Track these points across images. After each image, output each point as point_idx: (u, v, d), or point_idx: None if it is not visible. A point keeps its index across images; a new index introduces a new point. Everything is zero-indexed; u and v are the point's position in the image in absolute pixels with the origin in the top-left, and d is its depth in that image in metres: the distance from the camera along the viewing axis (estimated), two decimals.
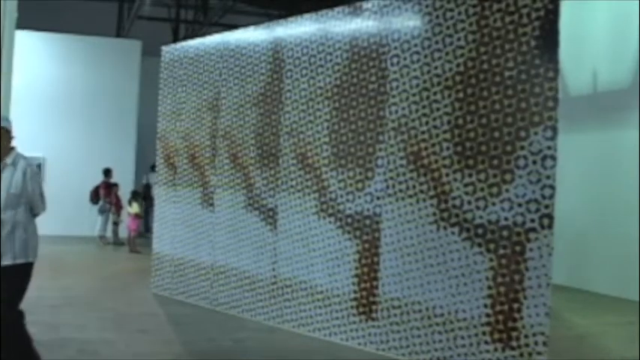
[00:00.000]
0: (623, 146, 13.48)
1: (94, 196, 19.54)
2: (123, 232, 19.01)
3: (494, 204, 7.29)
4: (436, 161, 7.81)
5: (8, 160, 6.32)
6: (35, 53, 20.58)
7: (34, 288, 11.33)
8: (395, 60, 8.32)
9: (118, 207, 19.49)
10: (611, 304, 12.73)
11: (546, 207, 6.91)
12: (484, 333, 7.29)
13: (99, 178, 19.54)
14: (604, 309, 12.31)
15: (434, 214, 7.79)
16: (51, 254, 16.22)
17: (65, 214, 20.21)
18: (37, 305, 10.11)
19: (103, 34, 22.52)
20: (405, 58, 8.21)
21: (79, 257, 16.38)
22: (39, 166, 20.55)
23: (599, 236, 13.85)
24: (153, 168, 20.90)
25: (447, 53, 7.81)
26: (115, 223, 19.50)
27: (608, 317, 11.59)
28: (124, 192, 19.44)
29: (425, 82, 7.98)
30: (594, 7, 14.78)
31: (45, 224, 20.19)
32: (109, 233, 19.41)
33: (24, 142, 18.97)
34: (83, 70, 21.22)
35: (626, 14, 13.75)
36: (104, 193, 19.44)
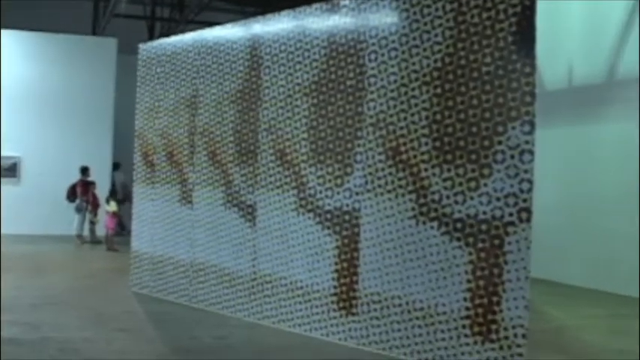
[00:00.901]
0: (599, 140, 13.60)
1: (71, 194, 19.47)
2: (100, 231, 18.94)
3: (472, 198, 7.35)
4: (415, 156, 7.85)
5: None
6: (10, 52, 20.47)
7: (13, 287, 11.40)
8: (373, 56, 8.35)
9: (95, 205, 19.40)
10: (589, 296, 12.84)
11: (524, 201, 6.98)
12: (464, 326, 7.35)
13: (75, 177, 19.46)
14: (582, 302, 12.41)
15: (413, 208, 7.83)
16: (28, 253, 16.21)
17: (42, 213, 20.20)
18: (17, 305, 10.12)
19: (78, 32, 22.41)
20: (382, 55, 8.25)
21: (57, 256, 16.31)
22: (15, 165, 20.51)
23: (577, 229, 13.98)
24: (116, 166, 20.82)
25: (424, 49, 7.86)
26: (92, 222, 19.43)
27: (586, 310, 11.70)
28: (101, 190, 19.36)
29: (403, 77, 8.02)
30: (569, 2, 14.88)
31: (22, 223, 20.22)
32: (86, 232, 19.34)
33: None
34: (59, 69, 21.11)
35: (601, 9, 13.88)
36: (81, 192, 19.36)
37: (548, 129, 14.19)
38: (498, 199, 7.15)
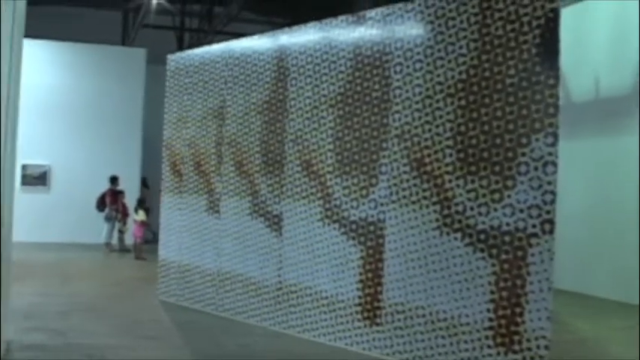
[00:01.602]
0: (625, 152, 13.56)
1: (101, 204, 19.61)
2: (129, 239, 19.08)
3: (496, 210, 7.38)
4: (439, 168, 7.90)
5: None
6: (41, 62, 20.62)
7: (41, 294, 11.54)
8: (398, 68, 8.42)
9: (125, 214, 19.57)
10: (613, 308, 12.79)
11: (547, 212, 7.00)
12: (487, 337, 7.37)
13: (104, 186, 19.63)
14: (607, 313, 12.38)
15: (437, 219, 7.88)
16: (57, 261, 16.38)
17: (71, 222, 20.39)
18: (45, 311, 10.26)
19: (108, 43, 22.66)
20: (408, 66, 8.31)
21: (85, 264, 16.48)
22: (45, 173, 20.70)
23: (604, 241, 13.92)
24: (145, 183, 20.67)
25: (449, 61, 7.91)
26: (121, 231, 19.58)
27: (610, 322, 11.66)
28: (130, 199, 19.51)
29: (428, 89, 8.08)
30: (596, 13, 14.89)
31: (51, 231, 20.39)
32: (114, 240, 19.49)
33: (30, 150, 19.18)
34: (89, 78, 21.34)
35: (627, 20, 13.85)
36: (110, 201, 19.51)
37: (575, 141, 14.20)
38: (522, 210, 7.17)
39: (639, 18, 13.12)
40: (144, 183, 19.18)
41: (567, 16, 14.95)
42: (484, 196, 7.49)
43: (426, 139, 8.05)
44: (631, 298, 12.99)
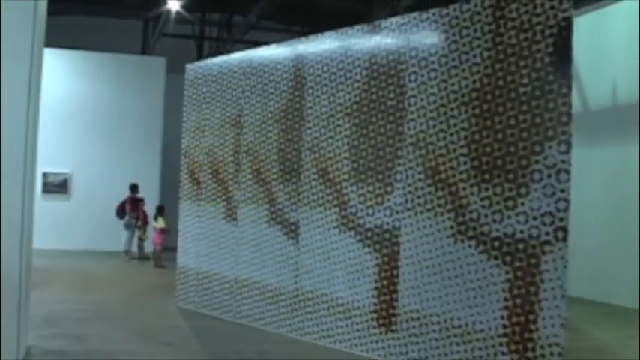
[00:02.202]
0: None
1: (121, 211, 19.74)
2: (149, 247, 19.20)
3: (509, 217, 7.43)
4: (453, 176, 7.96)
5: None
6: (62, 71, 20.81)
7: (61, 301, 11.66)
8: (413, 77, 8.49)
9: (145, 222, 19.69)
10: (633, 316, 12.75)
11: (561, 220, 7.05)
12: (501, 344, 7.42)
13: (125, 194, 19.77)
14: (625, 322, 12.34)
15: (451, 227, 7.94)
16: (77, 268, 16.51)
17: (91, 229, 20.55)
18: (65, 318, 10.36)
19: (128, 52, 22.84)
20: (422, 75, 8.38)
21: (106, 271, 16.61)
22: (65, 181, 20.87)
23: (620, 248, 13.90)
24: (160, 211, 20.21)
25: (463, 70, 7.98)
26: (141, 239, 19.71)
27: (628, 330, 11.63)
28: (150, 207, 19.64)
29: (442, 98, 8.15)
30: (613, 20, 14.89)
31: (71, 239, 20.55)
32: (134, 248, 19.62)
33: (51, 158, 19.36)
34: (109, 87, 21.51)
35: None
36: (130, 209, 19.64)
37: (594, 148, 14.20)
38: (535, 218, 7.22)
39: None
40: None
41: (585, 23, 15.04)
42: (498, 203, 7.55)
43: (440, 148, 8.12)
44: None
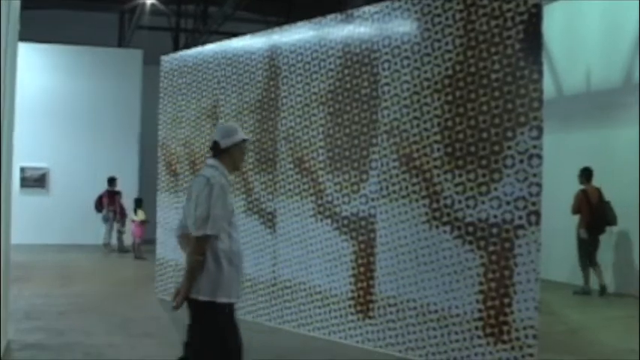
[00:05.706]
0: (617, 145, 13.66)
1: (99, 205, 19.69)
2: (128, 239, 19.19)
3: (483, 202, 7.51)
4: (427, 162, 8.03)
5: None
6: (38, 65, 20.73)
7: (41, 295, 11.67)
8: (386, 65, 8.54)
9: (122, 215, 19.64)
10: (614, 300, 12.85)
11: (533, 204, 7.13)
12: (476, 328, 7.50)
13: (103, 187, 19.73)
14: (604, 305, 12.46)
15: (426, 213, 8.01)
16: (57, 263, 16.49)
17: (70, 223, 20.49)
18: (45, 312, 10.38)
19: (104, 45, 22.79)
20: (395, 63, 8.44)
21: (85, 265, 16.61)
22: (43, 176, 20.78)
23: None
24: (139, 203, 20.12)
25: (435, 57, 8.04)
26: (120, 232, 19.67)
27: (604, 312, 11.77)
28: (128, 200, 19.60)
29: (415, 85, 8.20)
30: (588, 6, 14.96)
31: (50, 233, 20.47)
32: (113, 241, 19.61)
33: (29, 152, 19.29)
34: (86, 80, 21.42)
35: (618, 13, 13.95)
36: (108, 202, 19.59)
37: (567, 133, 14.30)
38: (508, 202, 7.30)
39: (631, 9, 13.21)
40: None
41: (560, 8, 15.13)
42: (472, 189, 7.62)
43: (414, 135, 8.18)
44: (629, 288, 13.07)
